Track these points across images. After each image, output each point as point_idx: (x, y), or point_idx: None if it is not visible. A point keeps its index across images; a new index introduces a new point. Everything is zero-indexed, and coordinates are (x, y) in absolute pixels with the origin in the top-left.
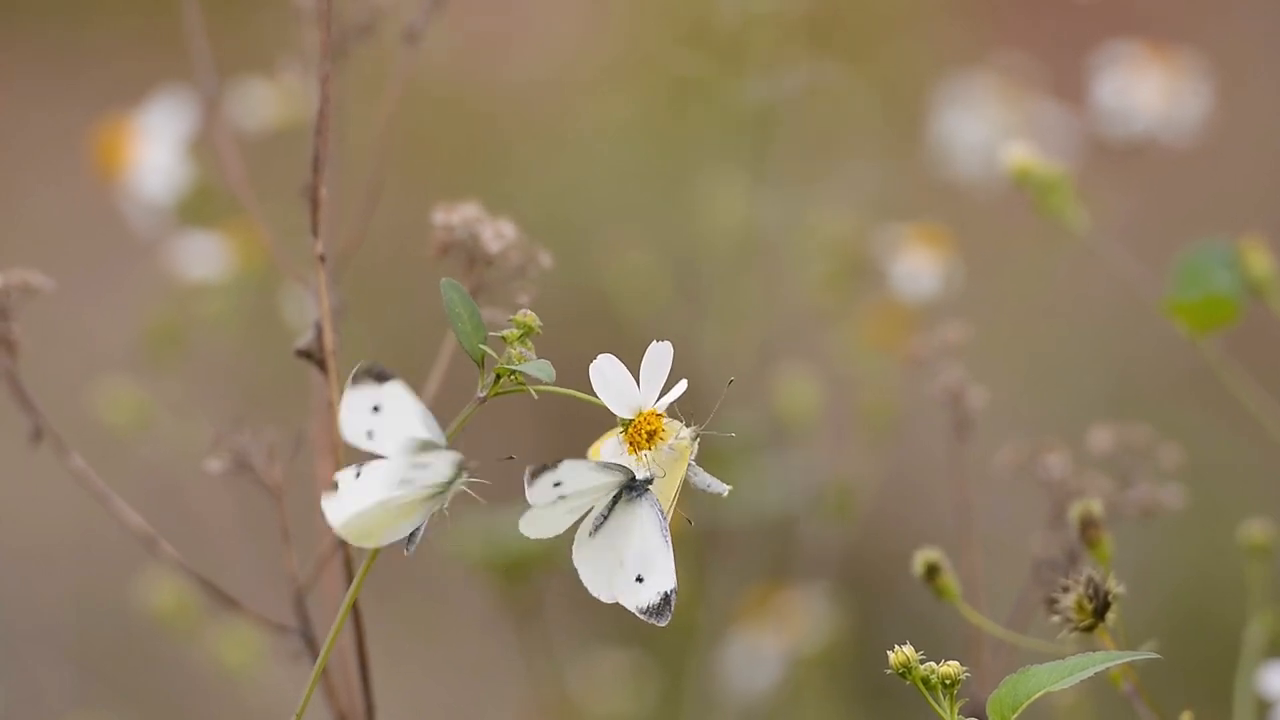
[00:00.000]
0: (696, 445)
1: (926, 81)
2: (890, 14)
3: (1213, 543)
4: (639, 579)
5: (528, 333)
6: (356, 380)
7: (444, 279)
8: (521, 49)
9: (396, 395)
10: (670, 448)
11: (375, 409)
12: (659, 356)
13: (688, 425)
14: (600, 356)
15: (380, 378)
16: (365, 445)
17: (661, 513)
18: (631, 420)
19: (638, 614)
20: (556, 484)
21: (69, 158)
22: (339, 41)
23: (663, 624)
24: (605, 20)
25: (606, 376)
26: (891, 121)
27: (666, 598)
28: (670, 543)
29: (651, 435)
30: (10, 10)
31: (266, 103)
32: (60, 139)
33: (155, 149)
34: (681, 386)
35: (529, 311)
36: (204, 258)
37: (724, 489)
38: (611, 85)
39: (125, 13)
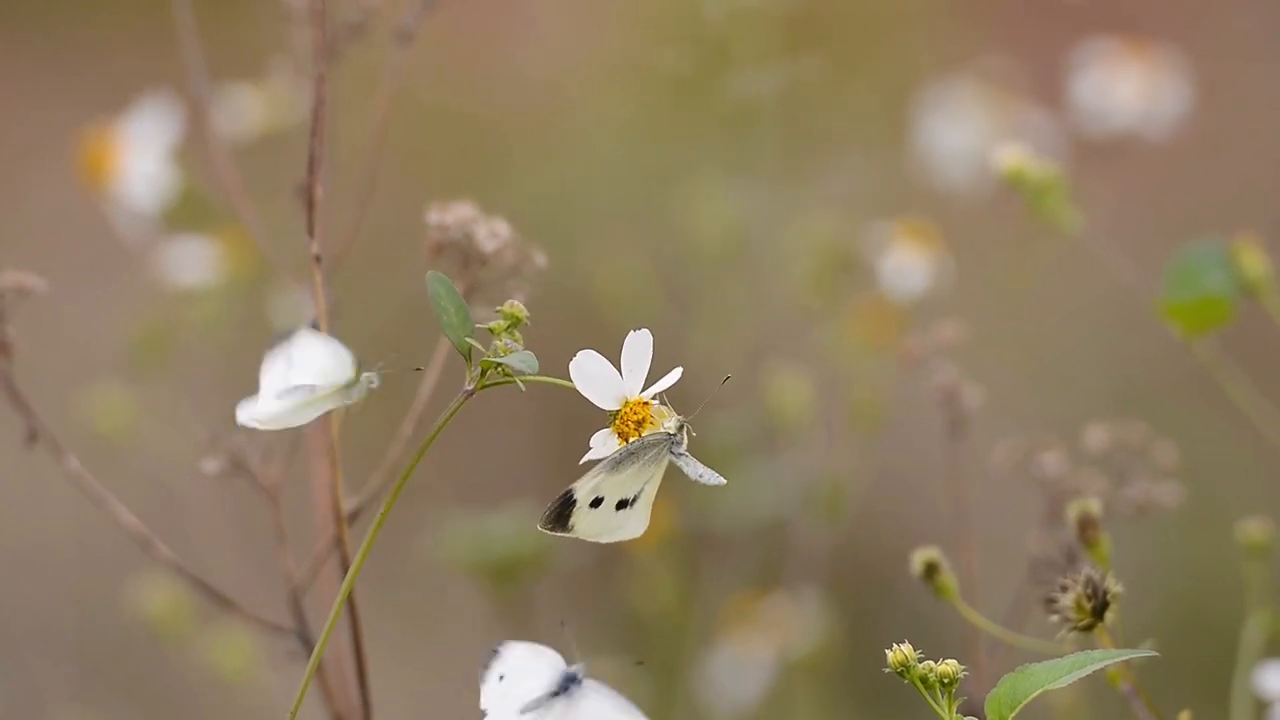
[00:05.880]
0: (685, 435)
1: (921, 81)
2: (889, 13)
3: (1211, 542)
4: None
5: (515, 324)
6: (271, 352)
7: (429, 272)
8: (516, 50)
9: (304, 343)
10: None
11: (288, 361)
12: (638, 344)
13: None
14: (580, 353)
15: (288, 336)
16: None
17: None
18: (618, 411)
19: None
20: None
21: (66, 155)
22: (332, 41)
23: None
24: (601, 22)
25: (587, 371)
26: (884, 120)
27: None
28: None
29: (640, 424)
30: (10, 7)
31: (253, 107)
32: (59, 135)
33: (141, 157)
34: (675, 375)
35: (516, 302)
36: (193, 263)
37: (718, 480)
38: (606, 87)
39: (125, 10)
